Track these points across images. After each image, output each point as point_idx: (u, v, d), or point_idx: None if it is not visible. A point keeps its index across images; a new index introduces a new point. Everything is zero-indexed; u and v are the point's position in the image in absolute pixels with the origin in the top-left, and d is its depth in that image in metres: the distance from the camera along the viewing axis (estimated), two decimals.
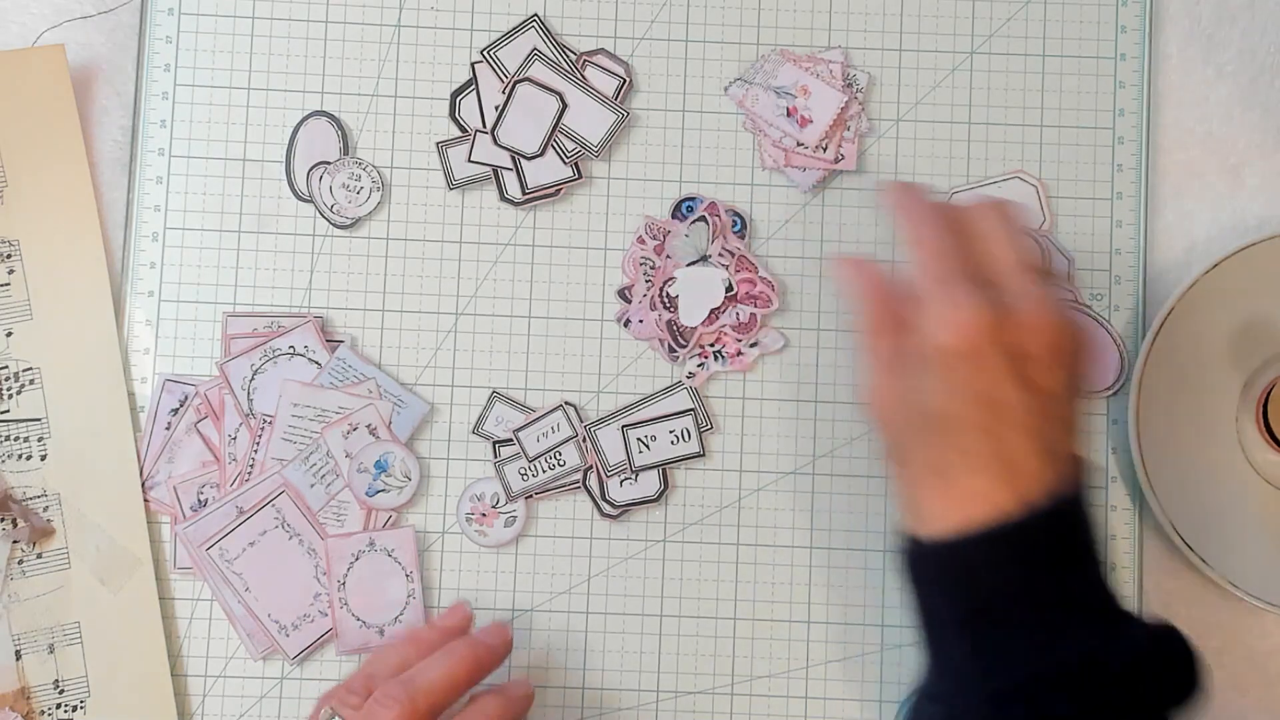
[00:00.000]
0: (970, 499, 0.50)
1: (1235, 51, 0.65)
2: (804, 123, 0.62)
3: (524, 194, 0.63)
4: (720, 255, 0.63)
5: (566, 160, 0.63)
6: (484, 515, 0.62)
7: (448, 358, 0.63)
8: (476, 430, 0.62)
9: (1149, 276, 0.63)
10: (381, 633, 0.61)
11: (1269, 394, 0.58)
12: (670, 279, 0.62)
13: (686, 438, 0.62)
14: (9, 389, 0.61)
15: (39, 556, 0.61)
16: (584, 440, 0.62)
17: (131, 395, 0.62)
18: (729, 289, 0.62)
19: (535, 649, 0.62)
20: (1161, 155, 0.64)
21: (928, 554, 0.51)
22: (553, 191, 0.63)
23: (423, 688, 0.54)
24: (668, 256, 0.63)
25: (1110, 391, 0.62)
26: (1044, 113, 0.64)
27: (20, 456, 0.61)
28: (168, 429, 0.61)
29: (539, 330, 0.63)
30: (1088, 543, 0.52)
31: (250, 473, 0.61)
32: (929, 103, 0.64)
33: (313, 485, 0.61)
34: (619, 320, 0.63)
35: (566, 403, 0.62)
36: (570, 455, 0.62)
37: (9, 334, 0.61)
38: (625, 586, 0.62)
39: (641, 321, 0.63)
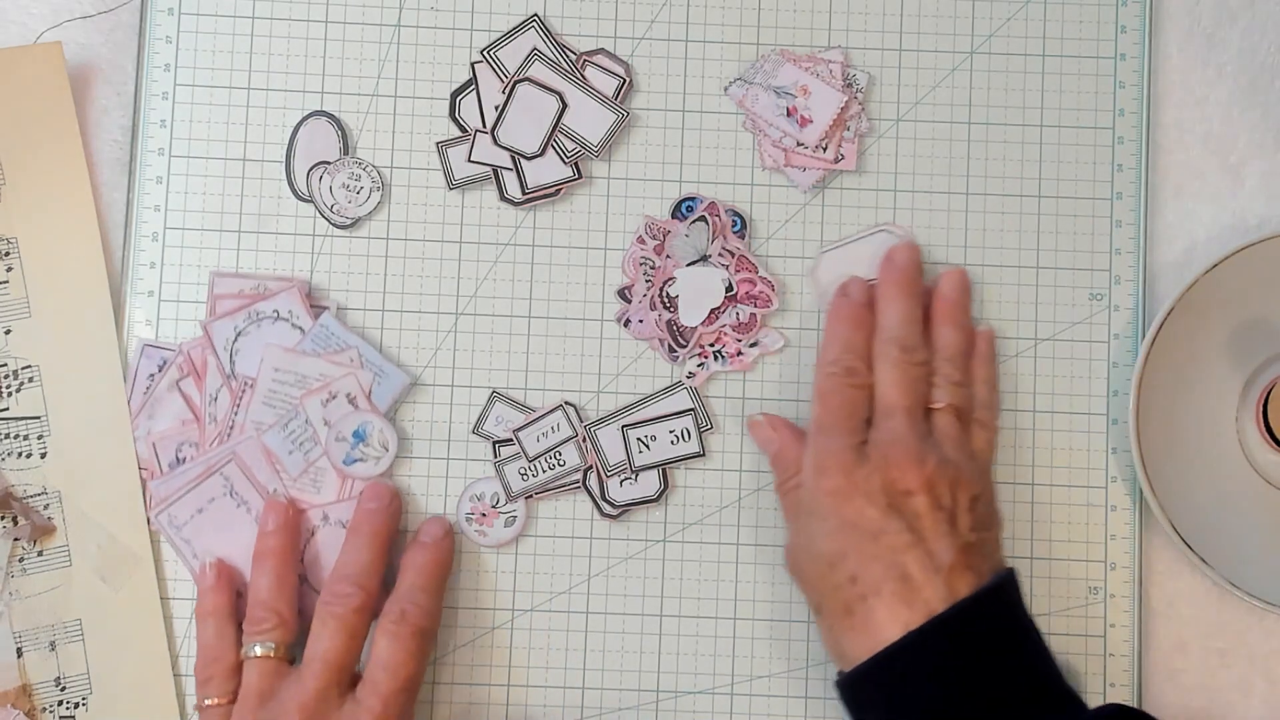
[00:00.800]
0: (874, 624, 0.54)
1: (1235, 51, 0.65)
2: (804, 122, 0.62)
3: (524, 194, 0.63)
4: (720, 255, 0.63)
5: (566, 160, 0.63)
6: (484, 515, 0.62)
7: (448, 358, 0.63)
8: (476, 430, 0.62)
9: (1149, 276, 0.63)
10: None
11: (1269, 394, 0.58)
12: (670, 279, 0.62)
13: (686, 438, 0.62)
14: (8, 387, 0.61)
15: (40, 554, 0.61)
16: (584, 440, 0.62)
17: (131, 405, 0.62)
18: (729, 289, 0.62)
19: (535, 649, 0.62)
20: (1161, 155, 0.64)
21: (855, 682, 0.54)
22: (553, 191, 0.63)
23: (359, 573, 0.57)
24: (668, 256, 0.63)
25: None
26: (1044, 113, 0.64)
27: (20, 454, 0.61)
28: (146, 392, 0.61)
29: (539, 330, 0.63)
30: (1019, 629, 0.54)
31: (230, 434, 0.61)
32: (929, 103, 0.64)
33: (291, 452, 0.61)
34: (619, 320, 0.63)
35: (566, 403, 0.62)
36: (570, 455, 0.62)
37: (8, 332, 0.61)
38: (625, 586, 0.62)
39: (641, 321, 0.63)
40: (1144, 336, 0.61)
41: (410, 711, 0.57)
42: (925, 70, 0.64)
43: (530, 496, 0.62)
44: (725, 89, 0.64)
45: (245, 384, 0.61)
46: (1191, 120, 0.64)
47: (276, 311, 0.62)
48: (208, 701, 0.57)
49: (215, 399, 0.61)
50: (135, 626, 0.60)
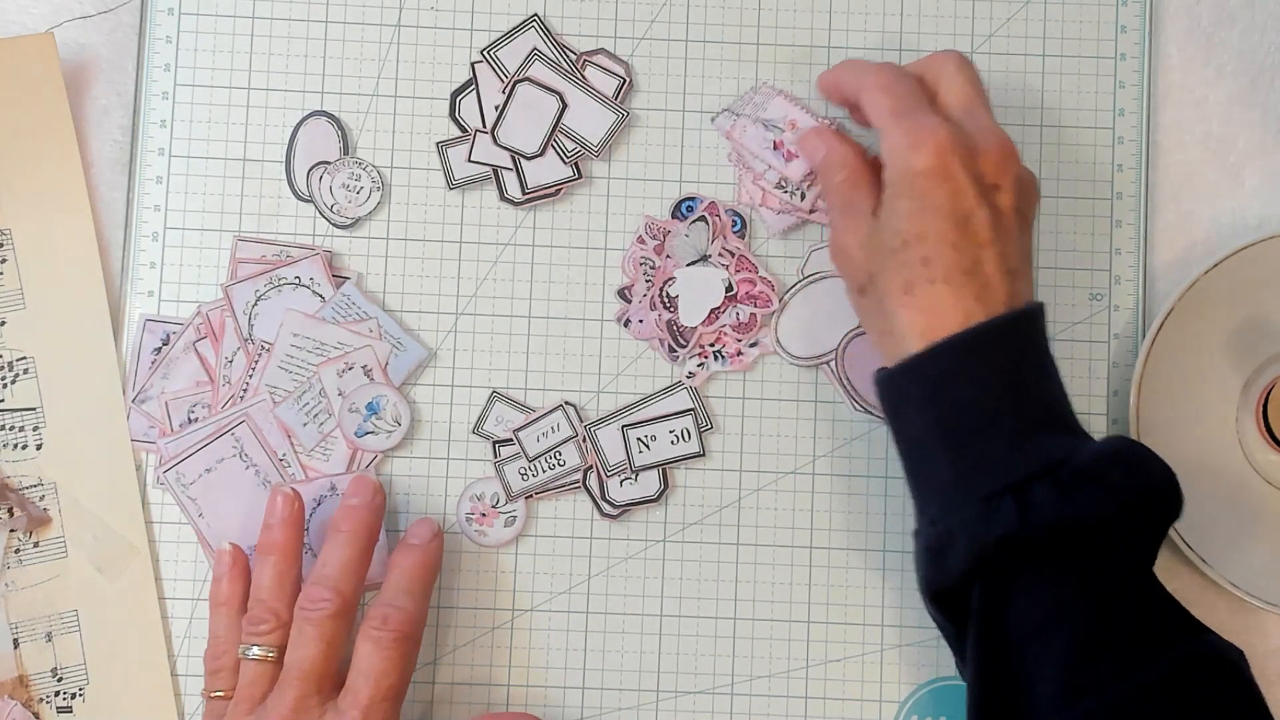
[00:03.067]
0: (938, 308, 0.53)
1: (1235, 51, 0.65)
2: (790, 156, 0.62)
3: (524, 194, 0.63)
4: (720, 255, 0.63)
5: (566, 160, 0.63)
6: (484, 515, 0.62)
7: (448, 358, 0.63)
8: (476, 430, 0.62)
9: (1149, 276, 0.63)
10: None
11: (1269, 394, 0.58)
12: (670, 279, 0.62)
13: (686, 438, 0.62)
14: (3, 378, 0.61)
15: (36, 545, 0.61)
16: (584, 440, 0.62)
17: (127, 392, 0.62)
18: (729, 289, 0.62)
19: (535, 649, 0.62)
20: (1161, 155, 0.64)
21: (901, 373, 0.53)
22: (553, 191, 0.63)
23: (337, 575, 0.57)
24: (668, 256, 0.63)
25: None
26: (1044, 113, 0.64)
27: (15, 446, 0.61)
28: (151, 366, 0.61)
29: (539, 330, 0.63)
30: (1047, 359, 0.54)
31: (243, 396, 0.61)
32: None
33: (305, 424, 0.61)
34: (619, 320, 0.63)
35: (566, 403, 0.62)
36: (570, 455, 0.62)
37: (2, 323, 0.62)
38: (625, 586, 0.62)
39: (641, 321, 0.63)
40: (1144, 336, 0.61)
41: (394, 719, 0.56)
42: None
43: (530, 496, 0.62)
44: (713, 119, 0.63)
45: (262, 348, 0.61)
46: (1191, 120, 0.64)
47: (298, 278, 0.62)
48: (215, 693, 0.57)
49: (231, 361, 0.61)
50: (132, 617, 0.60)
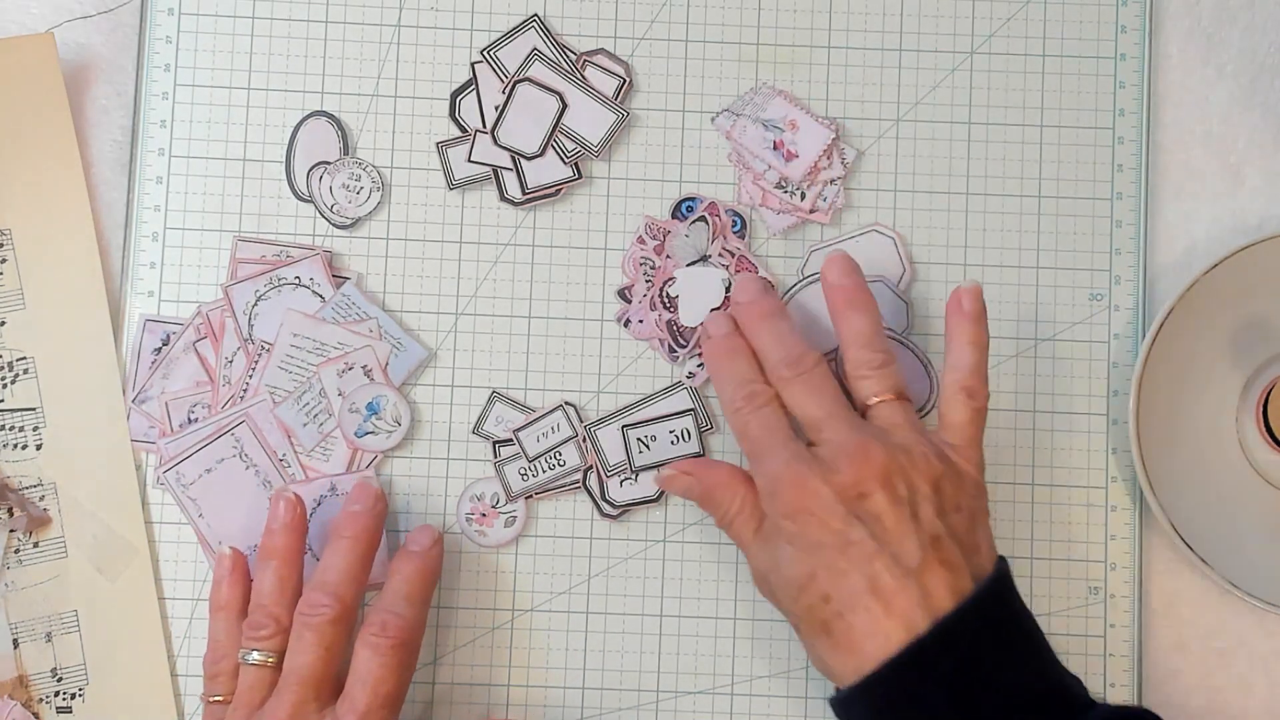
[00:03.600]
0: (857, 641, 0.51)
1: (1235, 51, 0.65)
2: (790, 156, 0.62)
3: (524, 194, 0.63)
4: (720, 255, 0.63)
5: (566, 160, 0.63)
6: (484, 515, 0.62)
7: (448, 358, 0.63)
8: (476, 430, 0.62)
9: (1149, 276, 0.64)
10: None
11: (1269, 394, 0.58)
12: (670, 279, 0.62)
13: (686, 438, 0.62)
14: (3, 379, 0.61)
15: (35, 546, 0.61)
16: (584, 440, 0.62)
17: (126, 393, 0.62)
18: (729, 289, 0.62)
19: (535, 649, 0.62)
20: (1161, 155, 0.64)
21: (850, 700, 0.52)
22: (553, 191, 0.63)
23: (338, 581, 0.56)
24: (668, 256, 0.63)
25: (921, 414, 0.62)
26: (1044, 113, 0.64)
27: (15, 446, 0.61)
28: (151, 366, 0.61)
29: (539, 330, 0.63)
30: (1013, 631, 0.52)
31: (243, 396, 0.61)
32: (929, 103, 0.64)
33: (305, 425, 0.61)
34: (619, 320, 0.63)
35: (566, 403, 0.62)
36: (570, 455, 0.62)
37: (2, 324, 0.62)
38: (625, 586, 0.62)
39: (641, 321, 0.63)
40: (1144, 336, 0.61)
41: None
42: (925, 70, 0.64)
43: (530, 496, 0.62)
44: (713, 119, 0.63)
45: (262, 348, 0.61)
46: (1191, 120, 0.64)
47: (298, 278, 0.62)
48: (214, 698, 0.57)
49: (231, 361, 0.61)
50: (132, 617, 0.60)
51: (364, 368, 0.61)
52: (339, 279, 0.62)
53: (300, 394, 0.61)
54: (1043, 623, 0.59)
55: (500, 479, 0.62)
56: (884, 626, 0.51)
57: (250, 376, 0.61)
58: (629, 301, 0.63)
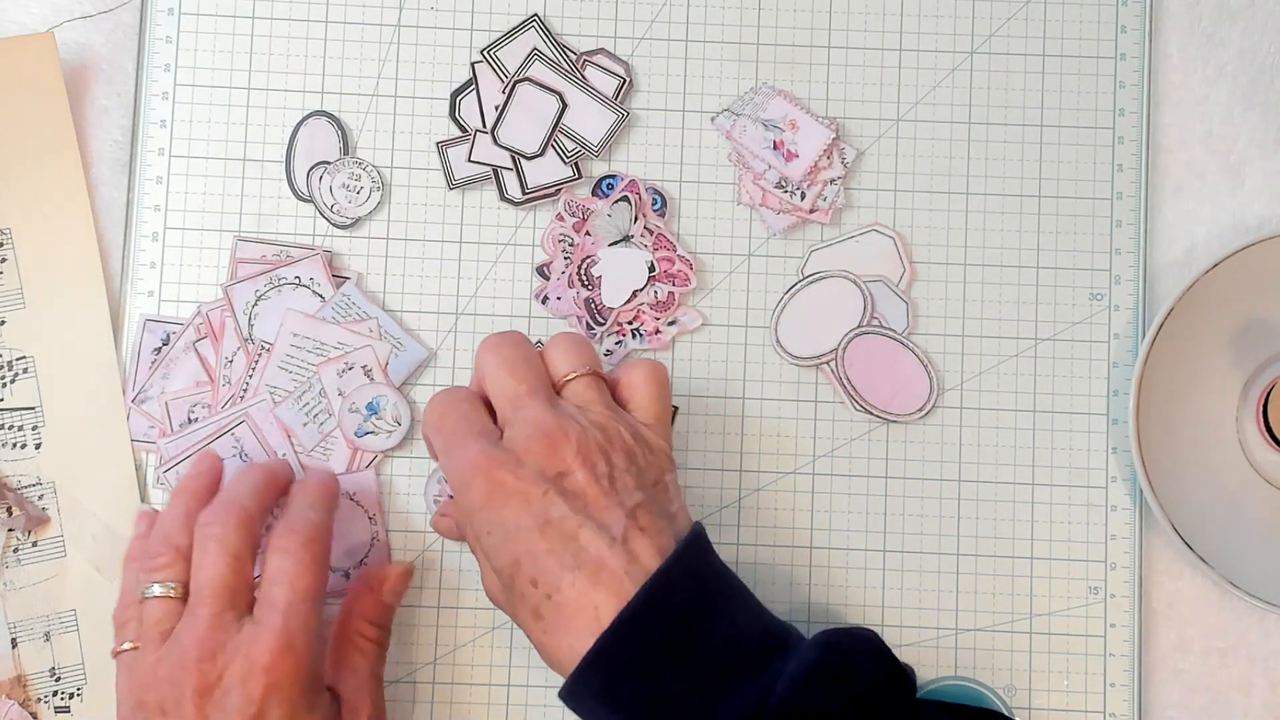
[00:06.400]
0: (568, 618, 0.50)
1: (1235, 51, 0.65)
2: (790, 156, 0.62)
3: (524, 194, 0.63)
4: (641, 235, 0.63)
5: (566, 160, 0.63)
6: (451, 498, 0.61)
7: (448, 358, 0.63)
8: None
9: (1149, 276, 0.64)
10: (347, 575, 0.61)
11: (1269, 394, 0.58)
12: (591, 258, 0.62)
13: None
14: (2, 378, 0.61)
15: (34, 545, 0.61)
16: None
17: (126, 392, 0.62)
18: (651, 269, 0.62)
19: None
20: (1161, 155, 0.64)
21: (570, 693, 0.50)
22: (553, 191, 0.63)
23: (241, 493, 0.55)
24: (587, 234, 0.62)
25: (920, 415, 0.62)
26: (1044, 113, 0.64)
27: (14, 445, 0.61)
28: (151, 366, 0.61)
29: (539, 331, 0.63)
30: (712, 587, 0.51)
31: (243, 396, 0.61)
32: (929, 103, 0.64)
33: (305, 424, 0.61)
34: (537, 297, 0.63)
35: None
36: None
37: (2, 323, 0.62)
38: None
39: (560, 299, 0.63)
40: (1144, 336, 0.61)
41: (315, 625, 0.53)
42: (925, 70, 0.64)
43: None
44: (713, 119, 0.63)
45: (262, 348, 0.61)
46: (1191, 120, 0.64)
47: (298, 278, 0.62)
48: (125, 645, 0.54)
49: (231, 361, 0.61)
50: None
51: (364, 368, 0.61)
52: (339, 279, 0.62)
53: (300, 394, 0.61)
54: (1043, 623, 0.59)
55: None
56: (593, 598, 0.49)
57: (250, 376, 0.61)
58: (547, 278, 0.63)
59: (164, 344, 0.62)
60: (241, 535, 0.54)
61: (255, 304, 0.62)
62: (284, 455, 0.61)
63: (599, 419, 0.53)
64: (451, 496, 0.60)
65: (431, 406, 0.55)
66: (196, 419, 0.61)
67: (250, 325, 0.62)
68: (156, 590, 0.54)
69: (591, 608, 0.49)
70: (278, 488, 0.57)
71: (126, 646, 0.54)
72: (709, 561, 0.52)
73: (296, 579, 0.53)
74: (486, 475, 0.51)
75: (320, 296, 0.62)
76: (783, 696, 0.49)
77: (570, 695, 0.50)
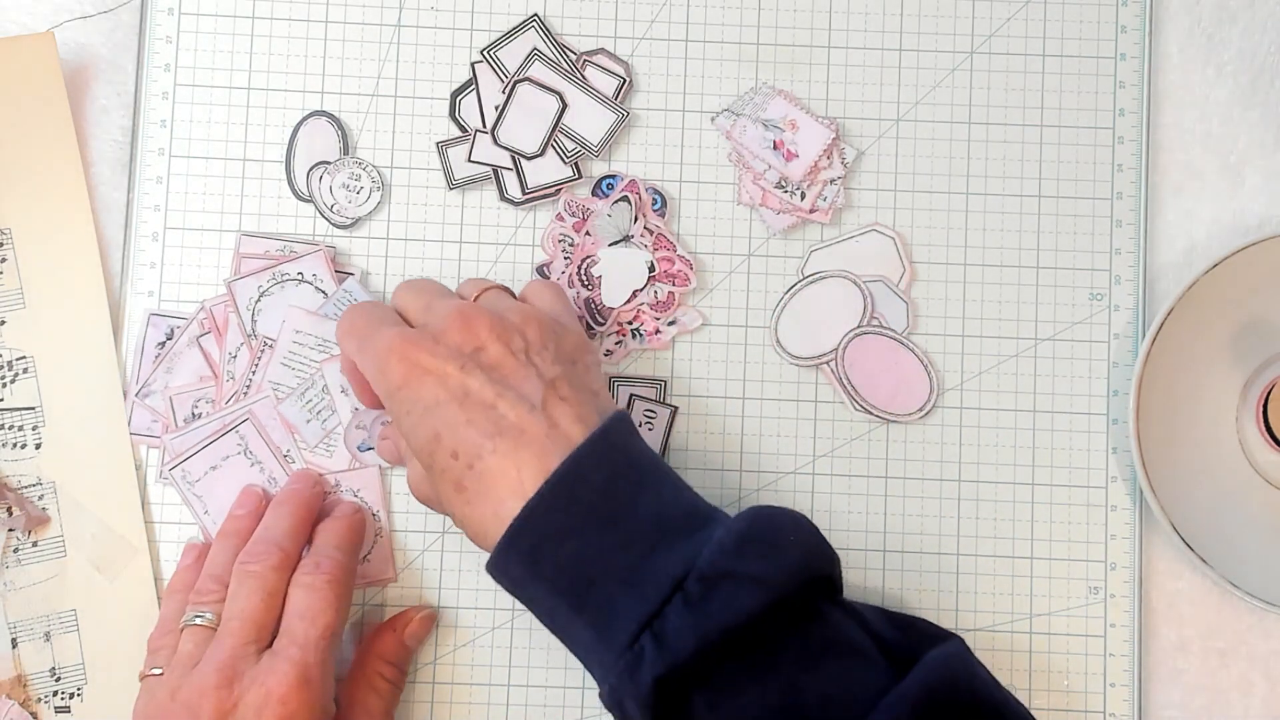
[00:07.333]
0: (490, 489, 0.50)
1: (1235, 51, 0.65)
2: (790, 156, 0.62)
3: (524, 194, 0.63)
4: (641, 235, 0.63)
5: (566, 160, 0.63)
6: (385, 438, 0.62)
7: None
8: None
9: (1149, 276, 0.63)
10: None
11: (1269, 394, 0.58)
12: (591, 258, 0.62)
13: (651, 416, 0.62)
14: (2, 378, 0.61)
15: (34, 545, 0.61)
16: None
17: (127, 391, 0.62)
18: (650, 269, 0.62)
19: (535, 649, 0.61)
20: (1161, 155, 0.64)
21: (496, 563, 0.51)
22: (553, 191, 0.63)
23: (281, 534, 0.57)
24: (587, 234, 0.62)
25: (920, 415, 0.62)
26: (1044, 113, 0.64)
27: (15, 445, 0.61)
28: (155, 361, 0.61)
29: None
30: (637, 462, 0.51)
31: (246, 392, 0.61)
32: (929, 103, 0.64)
33: (309, 421, 0.61)
34: None
35: None
36: None
37: (2, 323, 0.62)
38: None
39: None
40: (1144, 336, 0.61)
41: (331, 663, 0.55)
42: (925, 70, 0.64)
43: None
44: (713, 119, 0.63)
45: (265, 344, 0.61)
46: (1191, 120, 0.64)
47: (301, 274, 0.62)
48: (154, 670, 0.56)
49: (234, 357, 0.61)
50: (130, 617, 0.60)
51: None
52: (341, 274, 0.62)
53: (303, 390, 0.61)
54: (1043, 622, 0.59)
55: None
56: (515, 462, 0.50)
57: (254, 372, 0.61)
58: (547, 278, 0.63)
59: (168, 338, 0.62)
60: (278, 575, 0.56)
61: (258, 300, 0.62)
62: (287, 452, 0.61)
63: (512, 306, 0.55)
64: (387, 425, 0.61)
65: (342, 319, 0.56)
66: (200, 414, 0.61)
67: (254, 321, 0.62)
68: (197, 620, 0.56)
69: (514, 472, 0.50)
70: (311, 522, 0.59)
71: (155, 672, 0.56)
72: (635, 442, 0.52)
73: (319, 615, 0.55)
74: (402, 355, 0.52)
75: (323, 292, 0.62)
76: (710, 559, 0.49)
77: (496, 566, 0.51)
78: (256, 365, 0.61)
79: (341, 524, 0.59)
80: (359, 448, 0.61)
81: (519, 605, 0.61)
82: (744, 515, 0.51)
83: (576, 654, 0.52)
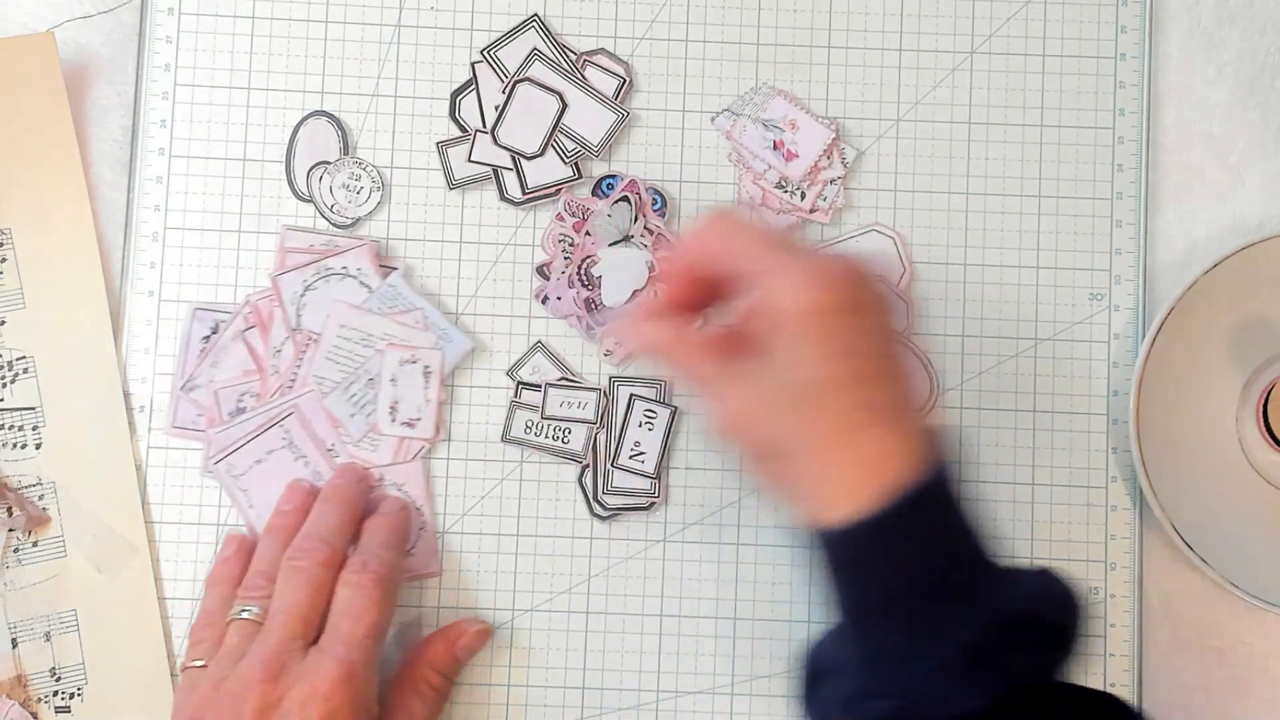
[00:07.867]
0: (874, 461, 0.48)
1: (1235, 51, 0.65)
2: (790, 156, 0.62)
3: (524, 194, 0.63)
4: (641, 235, 0.63)
5: (566, 160, 0.63)
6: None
7: None
8: (510, 374, 0.62)
9: (1149, 276, 0.64)
10: None
11: (1269, 394, 0.58)
12: (591, 258, 0.62)
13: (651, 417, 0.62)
14: (2, 378, 0.61)
15: (35, 545, 0.61)
16: (595, 434, 0.62)
17: (128, 395, 0.62)
18: (652, 269, 0.63)
19: (535, 649, 0.61)
20: (1161, 155, 0.64)
21: (853, 537, 0.48)
22: (553, 191, 0.63)
23: (328, 530, 0.57)
24: (587, 234, 0.62)
25: (921, 414, 0.62)
26: (1044, 113, 0.64)
27: (15, 445, 0.61)
28: (200, 355, 0.62)
29: (539, 330, 0.63)
30: (963, 494, 0.50)
31: (291, 386, 0.61)
32: (929, 103, 0.64)
33: (353, 415, 0.61)
34: (537, 297, 0.63)
35: (604, 393, 0.62)
36: (576, 439, 0.62)
37: (2, 323, 0.62)
38: (625, 586, 0.62)
39: (559, 299, 0.63)
40: (1144, 336, 0.61)
41: (375, 662, 0.55)
42: (925, 70, 0.64)
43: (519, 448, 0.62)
44: (713, 119, 0.64)
45: (310, 338, 0.62)
46: (1191, 120, 0.64)
47: (345, 268, 0.62)
48: (195, 663, 0.56)
49: (279, 351, 0.62)
50: (131, 616, 0.60)
51: (425, 367, 0.61)
52: (386, 269, 0.62)
53: (348, 385, 0.61)
54: None
55: (507, 416, 0.62)
56: (912, 448, 0.48)
57: (298, 367, 0.61)
58: (547, 278, 0.63)
59: (213, 332, 0.62)
60: (325, 571, 0.56)
61: (303, 294, 0.62)
62: (332, 446, 0.61)
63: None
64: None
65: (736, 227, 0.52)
66: (245, 408, 0.61)
67: (298, 315, 0.62)
68: (244, 614, 0.56)
69: (900, 457, 0.47)
70: (358, 518, 0.59)
71: (197, 663, 0.56)
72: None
73: (364, 613, 0.55)
74: (823, 284, 0.49)
75: (367, 287, 0.62)
76: (1022, 605, 0.48)
77: (849, 536, 0.48)
78: (301, 359, 0.61)
79: (388, 521, 0.59)
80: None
81: (519, 605, 0.61)
82: (1033, 575, 0.51)
83: (849, 643, 0.49)
